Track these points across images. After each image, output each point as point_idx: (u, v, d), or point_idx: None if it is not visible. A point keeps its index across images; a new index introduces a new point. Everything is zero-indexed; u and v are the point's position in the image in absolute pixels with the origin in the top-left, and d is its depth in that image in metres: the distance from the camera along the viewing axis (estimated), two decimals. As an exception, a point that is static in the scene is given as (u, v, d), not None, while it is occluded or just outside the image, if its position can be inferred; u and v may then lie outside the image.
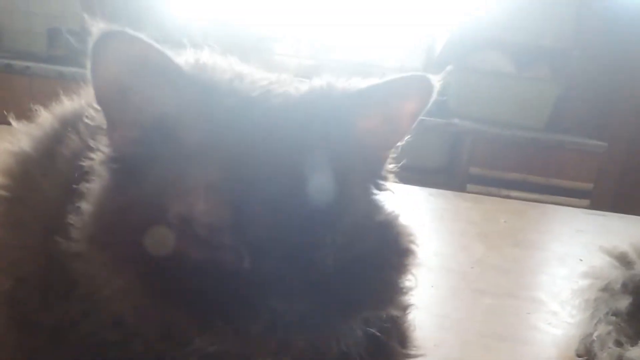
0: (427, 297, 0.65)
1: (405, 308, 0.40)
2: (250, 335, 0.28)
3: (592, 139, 1.92)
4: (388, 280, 0.34)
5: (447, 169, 1.98)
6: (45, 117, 0.44)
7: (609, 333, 0.55)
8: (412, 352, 0.39)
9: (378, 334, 0.36)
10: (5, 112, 0.49)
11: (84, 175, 0.34)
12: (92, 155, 0.33)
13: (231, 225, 0.28)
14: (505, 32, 2.06)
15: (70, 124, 0.40)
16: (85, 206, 0.31)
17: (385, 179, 0.36)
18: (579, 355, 0.56)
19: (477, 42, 2.06)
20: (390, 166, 0.37)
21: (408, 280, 0.36)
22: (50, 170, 0.43)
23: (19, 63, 1.84)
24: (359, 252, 0.32)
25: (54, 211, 0.36)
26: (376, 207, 0.35)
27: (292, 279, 0.28)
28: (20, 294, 0.37)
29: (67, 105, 0.45)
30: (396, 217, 0.36)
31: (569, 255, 0.91)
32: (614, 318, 0.56)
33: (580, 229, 1.08)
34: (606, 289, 0.60)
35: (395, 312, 0.38)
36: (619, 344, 0.53)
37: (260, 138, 0.30)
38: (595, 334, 0.56)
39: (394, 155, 0.37)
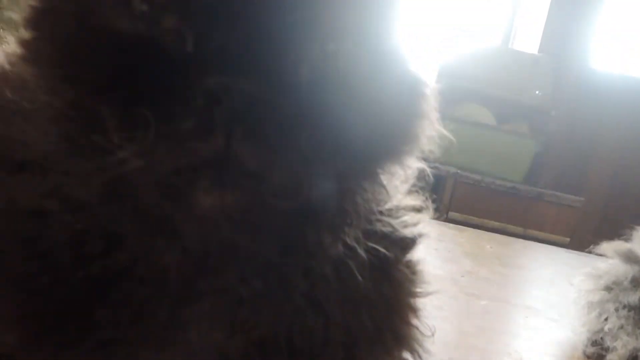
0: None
1: (415, 236, 0.34)
2: (178, 131, 0.20)
3: (569, 194, 1.94)
4: (388, 116, 0.25)
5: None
6: None
7: (621, 326, 0.50)
8: (422, 289, 0.33)
9: (383, 250, 0.31)
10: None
11: None
12: None
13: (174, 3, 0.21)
14: (487, 87, 2.12)
15: None
16: None
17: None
18: (587, 356, 0.51)
19: (460, 94, 2.11)
20: None
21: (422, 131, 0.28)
22: None
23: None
24: (344, 73, 0.24)
25: None
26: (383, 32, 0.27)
27: (242, 58, 0.20)
28: None
29: None
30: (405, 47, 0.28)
31: (558, 275, 0.87)
32: (625, 312, 0.52)
33: (565, 262, 1.05)
34: (613, 286, 0.56)
35: (403, 234, 0.33)
36: (632, 335, 0.48)
37: None
38: (607, 327, 0.51)
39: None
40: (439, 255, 0.90)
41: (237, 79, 0.20)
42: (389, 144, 0.27)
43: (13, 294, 0.23)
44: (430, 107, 0.28)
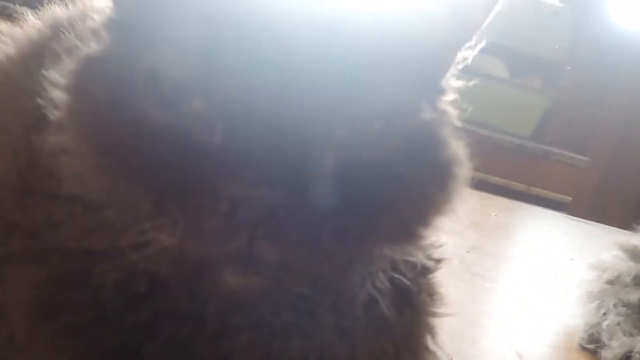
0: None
1: (437, 260, 0.35)
2: (206, 228, 0.21)
3: (575, 153, 1.94)
4: (414, 202, 0.26)
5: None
6: (34, 23, 0.39)
7: (618, 324, 0.53)
8: (442, 310, 0.35)
9: (407, 282, 0.32)
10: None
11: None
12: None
13: (202, 85, 0.22)
14: (502, 38, 2.05)
15: (62, 28, 0.34)
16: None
17: (442, 92, 0.30)
18: (583, 345, 0.54)
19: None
20: (455, 84, 0.30)
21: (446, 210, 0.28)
22: (36, 69, 0.37)
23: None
24: (373, 157, 0.24)
25: (35, 109, 0.30)
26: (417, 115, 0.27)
27: (266, 162, 0.21)
28: None
29: (58, 11, 0.40)
30: (440, 126, 0.28)
31: (560, 253, 0.90)
32: (624, 310, 0.54)
33: (567, 231, 1.08)
34: (615, 281, 0.58)
35: (426, 262, 0.34)
36: (629, 334, 0.51)
37: None
38: (605, 324, 0.53)
39: (459, 65, 0.30)
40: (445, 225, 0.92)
41: (260, 186, 0.21)
42: (417, 226, 0.27)
43: (72, 342, 0.25)
44: (462, 185, 0.28)
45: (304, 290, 0.28)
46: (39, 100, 0.29)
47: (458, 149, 0.28)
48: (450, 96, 0.30)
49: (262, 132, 0.21)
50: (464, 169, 0.28)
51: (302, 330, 0.28)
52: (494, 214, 1.05)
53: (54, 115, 0.27)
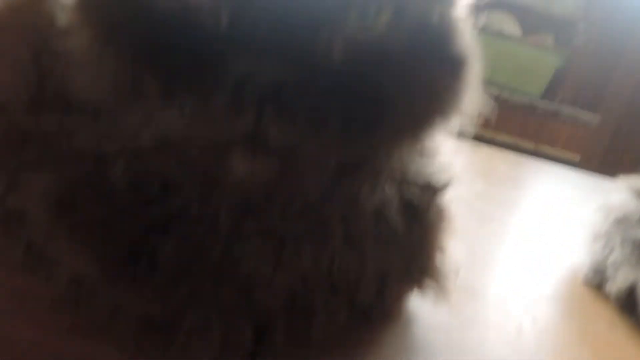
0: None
1: (447, 181, 0.36)
2: (213, 107, 0.21)
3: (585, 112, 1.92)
4: (421, 96, 0.25)
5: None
6: None
7: (624, 260, 0.53)
8: (450, 229, 0.36)
9: (416, 198, 0.33)
10: None
11: None
12: None
13: None
14: (515, -7, 2.00)
15: None
16: None
17: None
18: (587, 281, 0.55)
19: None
20: None
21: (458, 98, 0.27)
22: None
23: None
24: (382, 48, 0.24)
25: (44, 34, 0.30)
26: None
27: (274, 39, 0.21)
28: (9, 105, 0.32)
29: None
30: (452, 21, 0.27)
31: (567, 202, 0.90)
32: (630, 246, 0.54)
33: (576, 185, 1.08)
34: (622, 221, 0.58)
35: (435, 181, 0.35)
36: (633, 268, 0.52)
37: None
38: (610, 260, 0.54)
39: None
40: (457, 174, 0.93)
41: (267, 61, 0.21)
42: (424, 122, 0.27)
43: (91, 235, 0.26)
44: (473, 83, 0.28)
45: (314, 198, 0.28)
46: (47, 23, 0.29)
47: (469, 45, 0.28)
48: None
49: (270, 15, 0.21)
50: (474, 66, 0.28)
51: (312, 240, 0.29)
52: (501, 166, 1.05)
53: (63, 19, 0.27)
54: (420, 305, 0.38)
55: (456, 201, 0.73)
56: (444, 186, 0.35)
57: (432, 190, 0.34)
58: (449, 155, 0.38)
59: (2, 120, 0.31)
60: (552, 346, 0.41)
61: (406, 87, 0.25)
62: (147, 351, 0.27)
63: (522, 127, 1.84)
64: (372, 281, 0.32)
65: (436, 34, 0.26)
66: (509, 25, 2.01)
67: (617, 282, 0.51)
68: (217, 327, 0.27)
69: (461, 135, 0.37)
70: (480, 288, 0.47)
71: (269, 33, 0.21)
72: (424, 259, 0.34)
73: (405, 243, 0.32)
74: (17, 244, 0.30)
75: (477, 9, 0.32)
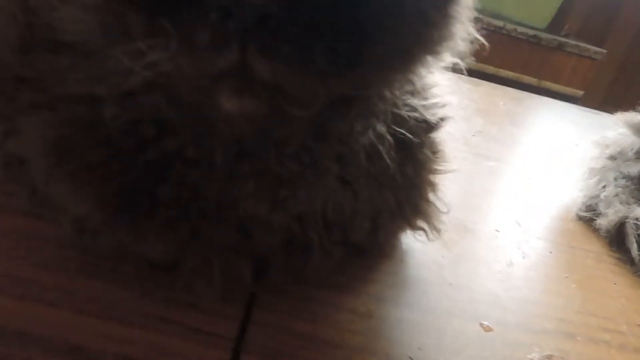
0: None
1: (441, 118, 0.36)
2: (194, 45, 0.21)
3: (591, 45, 1.87)
4: (411, 23, 0.25)
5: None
6: None
7: (616, 195, 0.54)
8: (444, 167, 0.36)
9: (409, 135, 0.33)
10: None
11: None
12: None
13: None
14: None
15: None
16: None
17: None
18: (579, 215, 0.56)
19: None
20: None
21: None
22: None
23: None
24: None
25: None
26: None
27: None
28: (1, 50, 0.32)
29: None
30: None
31: (565, 136, 0.91)
32: (623, 182, 0.55)
33: (575, 121, 1.07)
34: (618, 156, 0.59)
35: (429, 118, 0.35)
36: (626, 203, 0.53)
37: None
38: (603, 195, 0.55)
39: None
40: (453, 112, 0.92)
41: None
42: (413, 57, 0.27)
43: (90, 178, 0.27)
44: (464, 8, 0.27)
45: (307, 138, 0.29)
46: None
47: None
48: None
49: None
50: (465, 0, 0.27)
51: (307, 179, 0.30)
52: (501, 103, 1.04)
53: None
54: (412, 242, 0.40)
55: (453, 139, 0.73)
56: (438, 124, 0.36)
57: (425, 128, 0.35)
58: (446, 92, 0.38)
59: None
60: (539, 280, 0.42)
61: (391, 20, 0.24)
62: (152, 291, 0.28)
63: (526, 61, 1.80)
64: (366, 220, 0.33)
65: None
66: (516, -47, 1.92)
67: (608, 217, 0.52)
68: (217, 266, 0.28)
69: (460, 71, 0.37)
70: (473, 225, 0.49)
71: None
72: (417, 197, 0.35)
73: (398, 182, 0.33)
74: (22, 188, 0.31)
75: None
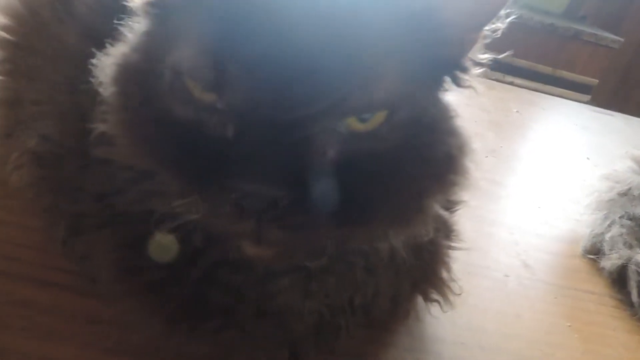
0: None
1: (455, 203, 0.39)
2: (218, 213, 0.25)
3: (607, 32, 1.84)
4: (411, 194, 0.28)
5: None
6: None
7: (621, 235, 0.57)
8: (456, 244, 0.40)
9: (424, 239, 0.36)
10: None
11: (109, 22, 0.30)
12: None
13: (216, 83, 0.24)
14: None
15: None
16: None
17: (465, 70, 0.31)
18: (585, 253, 0.59)
19: None
20: (483, 56, 0.31)
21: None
22: (66, 15, 0.38)
23: None
24: (373, 150, 0.26)
25: (78, 62, 0.33)
26: (435, 107, 0.29)
27: (269, 162, 0.23)
28: (46, 154, 0.36)
29: None
30: (450, 117, 0.30)
31: (576, 152, 0.93)
32: (629, 222, 0.58)
33: (586, 126, 1.09)
34: (625, 194, 0.61)
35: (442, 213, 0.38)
36: (629, 246, 0.56)
37: None
38: (608, 234, 0.58)
39: (485, 41, 0.31)
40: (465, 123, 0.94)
41: (263, 184, 0.24)
42: (412, 216, 0.30)
43: (146, 299, 0.30)
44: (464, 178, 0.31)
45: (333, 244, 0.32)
46: (81, 58, 0.31)
47: (464, 142, 0.30)
48: (476, 71, 0.31)
49: (268, 128, 0.24)
50: (466, 165, 0.30)
51: (336, 272, 0.33)
52: (515, 110, 1.05)
53: (102, 94, 0.29)
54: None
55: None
56: (452, 209, 0.39)
57: (440, 221, 0.38)
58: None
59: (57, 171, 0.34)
60: (544, 331, 0.46)
61: (396, 186, 0.27)
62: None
63: (541, 50, 1.79)
64: (386, 301, 0.36)
65: (429, 132, 0.28)
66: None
67: (612, 260, 0.55)
68: (261, 357, 0.32)
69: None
70: (485, 270, 0.52)
71: (266, 150, 0.24)
72: (432, 275, 0.39)
73: (414, 267, 0.37)
74: (86, 277, 0.35)
75: None
